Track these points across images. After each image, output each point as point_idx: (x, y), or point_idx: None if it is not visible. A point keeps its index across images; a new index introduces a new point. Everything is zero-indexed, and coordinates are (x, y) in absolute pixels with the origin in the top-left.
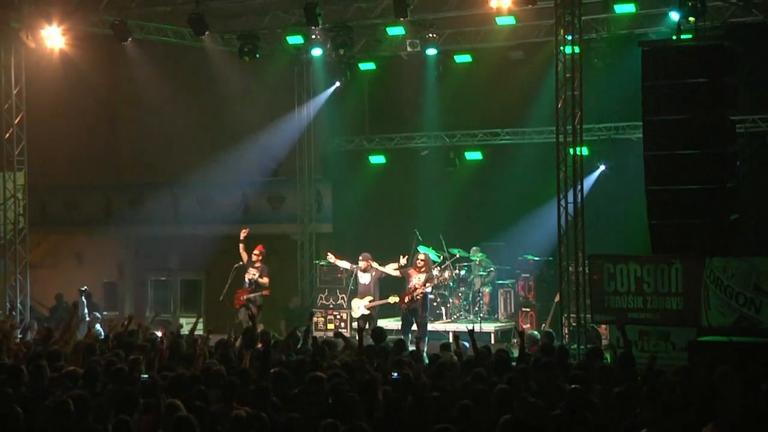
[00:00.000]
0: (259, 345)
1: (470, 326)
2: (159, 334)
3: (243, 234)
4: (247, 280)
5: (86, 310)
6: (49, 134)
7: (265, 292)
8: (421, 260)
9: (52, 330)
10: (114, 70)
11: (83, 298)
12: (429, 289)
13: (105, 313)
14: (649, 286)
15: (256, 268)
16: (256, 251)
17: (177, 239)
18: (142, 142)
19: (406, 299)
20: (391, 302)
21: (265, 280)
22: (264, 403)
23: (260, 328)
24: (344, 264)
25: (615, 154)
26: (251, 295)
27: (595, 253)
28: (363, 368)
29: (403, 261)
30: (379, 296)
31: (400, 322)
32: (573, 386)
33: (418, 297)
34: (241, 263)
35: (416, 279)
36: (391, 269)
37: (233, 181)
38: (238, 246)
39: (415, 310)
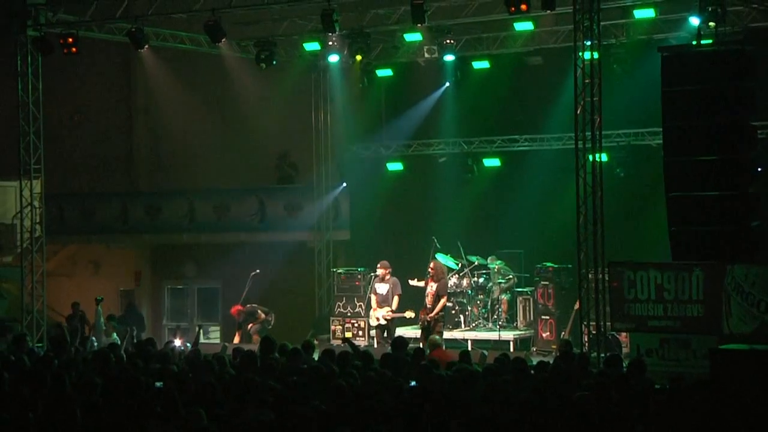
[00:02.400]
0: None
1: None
2: (177, 342)
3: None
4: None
5: (102, 320)
6: (67, 142)
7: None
8: (431, 268)
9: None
10: (130, 78)
11: (99, 307)
12: (442, 314)
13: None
14: (670, 293)
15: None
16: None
17: (194, 247)
18: (158, 149)
19: (425, 317)
20: (407, 317)
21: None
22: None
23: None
24: (419, 283)
25: (634, 160)
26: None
27: (614, 260)
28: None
29: (414, 283)
30: (398, 308)
31: (419, 331)
32: (582, 393)
33: (437, 319)
34: (258, 271)
35: (429, 288)
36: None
37: (250, 188)
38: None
39: (428, 326)
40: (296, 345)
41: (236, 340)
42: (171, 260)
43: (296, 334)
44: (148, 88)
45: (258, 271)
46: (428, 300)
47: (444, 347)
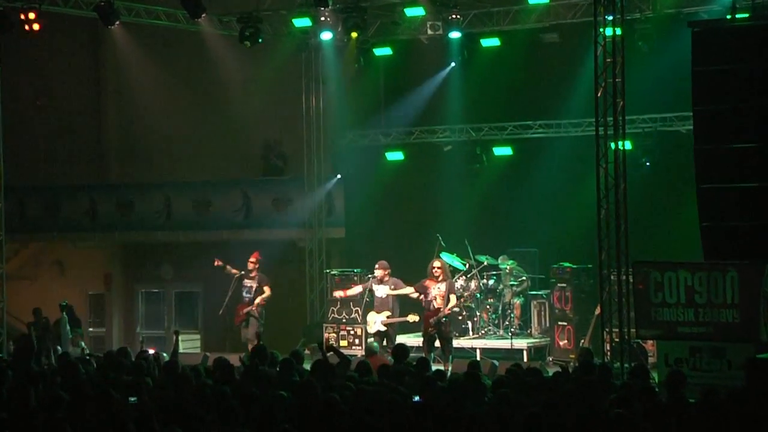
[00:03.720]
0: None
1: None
2: (151, 352)
3: (217, 263)
4: (244, 293)
5: (68, 327)
6: (28, 129)
7: (260, 302)
8: (437, 267)
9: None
10: (100, 57)
11: (64, 313)
12: (457, 310)
13: (90, 329)
14: (701, 296)
15: (253, 278)
16: (252, 259)
17: (171, 246)
18: (131, 137)
19: (432, 320)
20: (410, 321)
21: (267, 290)
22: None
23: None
24: (355, 290)
25: (661, 148)
26: (250, 308)
27: (640, 260)
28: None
29: (414, 318)
30: (399, 311)
31: (422, 338)
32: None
33: (444, 320)
34: (242, 272)
35: (435, 290)
36: (408, 291)
37: (233, 181)
38: (223, 271)
39: (440, 331)
40: (285, 355)
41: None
42: (145, 261)
43: (285, 343)
44: (120, 70)
45: (242, 272)
46: (437, 302)
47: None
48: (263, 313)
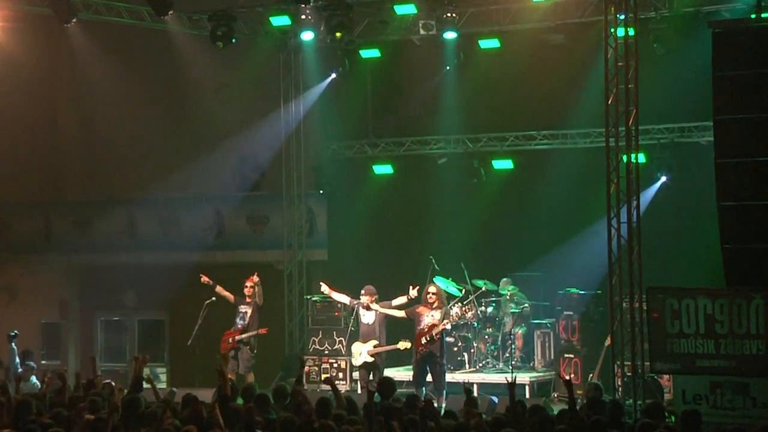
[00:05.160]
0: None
1: (509, 377)
2: (113, 383)
3: (204, 279)
4: (238, 319)
5: (17, 360)
6: None
7: (261, 331)
8: (432, 293)
9: None
10: (55, 60)
11: (13, 344)
12: (448, 326)
13: (44, 362)
14: (723, 326)
15: (249, 303)
16: (248, 283)
17: (134, 270)
18: (90, 149)
19: (423, 340)
20: (401, 348)
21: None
22: None
23: (250, 378)
24: (341, 298)
25: (679, 161)
26: (243, 336)
27: (654, 286)
28: None
29: (413, 293)
30: (387, 340)
31: (412, 372)
32: None
33: (437, 336)
34: (213, 299)
35: (429, 317)
36: (398, 304)
37: (204, 197)
38: (214, 290)
39: (431, 356)
40: (263, 390)
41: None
42: (105, 286)
43: (261, 376)
44: (77, 73)
45: (213, 299)
46: (436, 332)
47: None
48: (255, 343)
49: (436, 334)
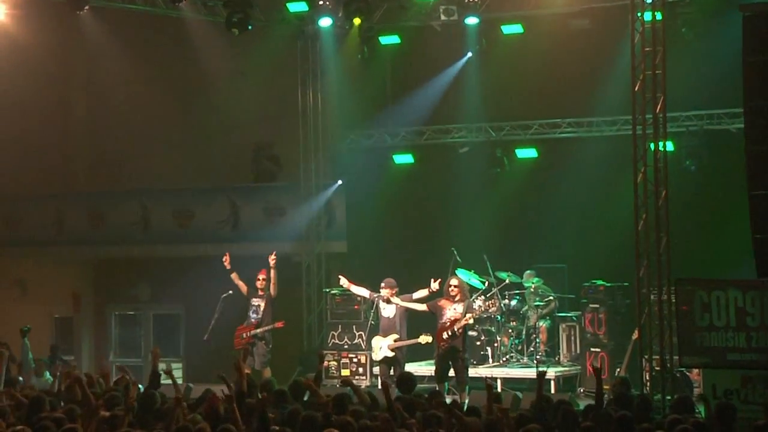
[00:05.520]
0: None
1: (540, 369)
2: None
3: (226, 261)
4: (250, 313)
5: (30, 355)
6: None
7: (278, 325)
8: (455, 287)
9: None
10: (66, 48)
11: (26, 339)
12: (471, 321)
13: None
14: (754, 319)
15: (262, 296)
16: (261, 276)
17: (148, 263)
18: (103, 140)
19: (444, 335)
20: (423, 342)
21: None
22: None
23: (267, 373)
24: (361, 291)
25: (708, 149)
26: (258, 331)
27: (683, 277)
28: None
29: (435, 286)
30: (408, 334)
31: (434, 367)
32: None
33: (459, 331)
34: (230, 292)
35: (451, 311)
36: (418, 297)
37: (219, 188)
38: (229, 275)
39: (454, 351)
40: (281, 386)
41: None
42: (119, 279)
43: (279, 372)
44: (89, 62)
45: (230, 292)
46: (458, 327)
47: None
48: (270, 338)
49: (459, 329)
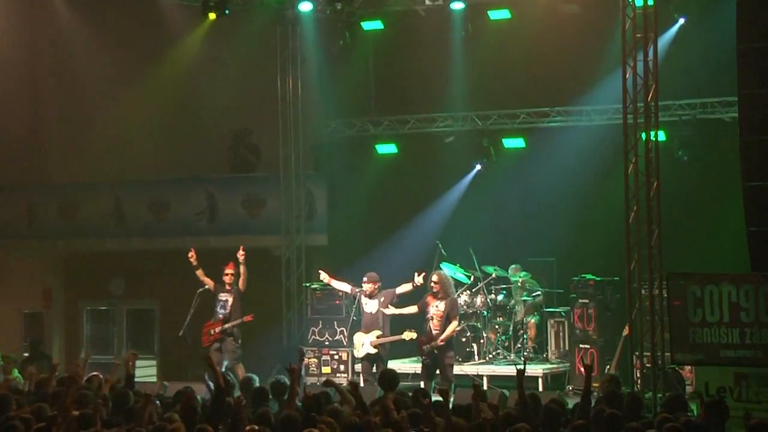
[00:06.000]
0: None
1: (520, 366)
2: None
3: (192, 257)
4: (218, 308)
5: None
6: None
7: (246, 319)
8: (434, 282)
9: None
10: (37, 33)
11: None
12: (458, 328)
13: (26, 354)
14: (749, 314)
15: (229, 291)
16: (228, 270)
17: (122, 256)
18: (74, 128)
19: (425, 348)
20: (407, 339)
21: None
22: None
23: (240, 371)
24: (342, 286)
25: (701, 139)
26: (226, 326)
27: (675, 271)
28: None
29: (419, 280)
30: (391, 330)
31: (420, 364)
32: None
33: (443, 347)
34: (206, 287)
35: (433, 308)
36: (402, 292)
37: (196, 179)
38: (194, 272)
39: (439, 348)
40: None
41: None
42: (91, 274)
43: (257, 370)
44: (61, 48)
45: (207, 286)
46: (434, 324)
47: None
48: (239, 333)
49: (435, 347)
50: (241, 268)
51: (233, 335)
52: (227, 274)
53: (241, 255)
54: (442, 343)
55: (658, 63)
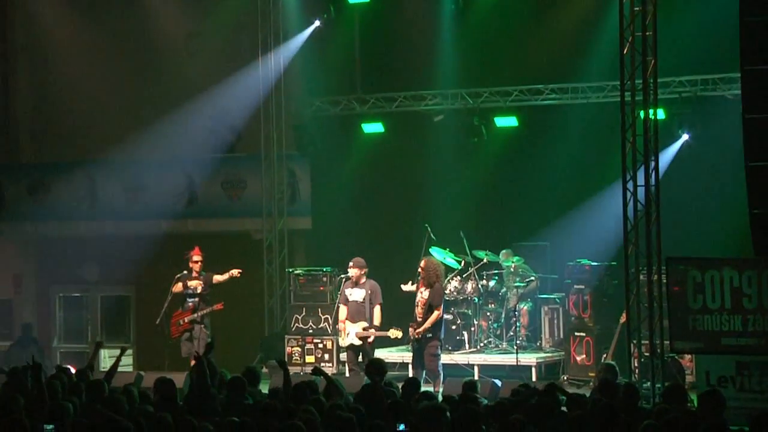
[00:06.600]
0: None
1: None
2: (72, 370)
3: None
4: (187, 297)
5: None
6: None
7: (217, 307)
8: (421, 268)
9: None
10: (5, 6)
11: None
12: (449, 316)
13: None
14: (751, 300)
15: (197, 278)
16: (195, 257)
17: (96, 240)
18: (46, 107)
19: (411, 336)
20: (392, 337)
21: (222, 276)
22: None
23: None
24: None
25: (702, 117)
26: (195, 315)
27: (675, 256)
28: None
29: (408, 288)
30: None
31: (411, 354)
32: None
33: (429, 336)
34: (185, 272)
35: (419, 295)
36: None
37: (174, 159)
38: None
39: (418, 343)
40: (237, 374)
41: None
42: (63, 259)
43: (237, 360)
44: (31, 20)
45: (185, 272)
46: (418, 311)
47: None
48: (209, 322)
49: (425, 337)
50: (227, 276)
51: (204, 323)
52: (195, 262)
53: (237, 274)
54: (418, 336)
55: (656, 37)
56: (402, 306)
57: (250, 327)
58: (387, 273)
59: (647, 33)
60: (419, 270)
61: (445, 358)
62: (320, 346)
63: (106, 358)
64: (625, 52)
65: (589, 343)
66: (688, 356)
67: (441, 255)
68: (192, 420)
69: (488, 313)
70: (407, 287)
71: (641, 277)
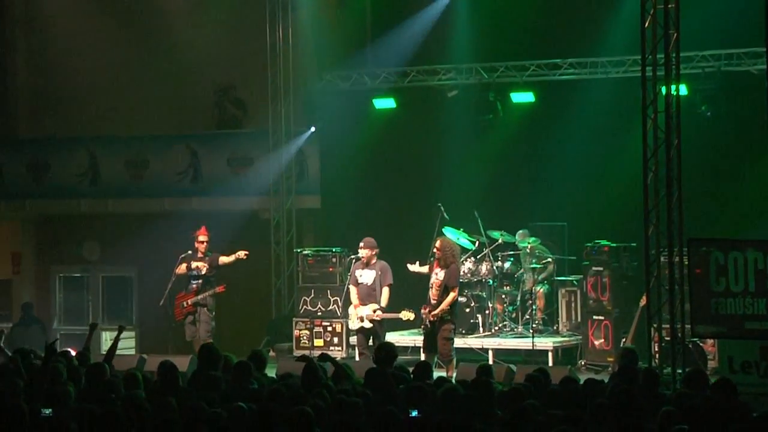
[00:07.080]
0: None
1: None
2: (72, 353)
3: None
4: (191, 278)
5: None
6: None
7: (219, 289)
8: (437, 248)
9: None
10: None
11: None
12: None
13: None
14: None
15: (202, 258)
16: (201, 237)
17: (97, 219)
18: (46, 80)
19: (424, 317)
20: (404, 319)
21: (229, 258)
22: None
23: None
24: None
25: (726, 93)
26: (198, 297)
27: (697, 237)
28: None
29: (415, 268)
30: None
31: (423, 337)
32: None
33: (443, 318)
34: (189, 252)
35: (434, 277)
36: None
37: (178, 135)
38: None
39: (431, 327)
40: (243, 358)
41: None
42: (64, 238)
43: (244, 343)
44: None
45: (189, 252)
46: (432, 293)
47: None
48: (213, 304)
49: (440, 319)
50: (233, 258)
51: (207, 306)
52: (201, 242)
53: (244, 256)
54: (433, 318)
55: (679, 10)
56: (413, 287)
57: (256, 309)
58: (398, 254)
59: (669, 5)
60: (434, 250)
61: (459, 342)
62: (329, 329)
63: (107, 341)
64: (646, 25)
65: (608, 327)
66: (710, 341)
67: (455, 235)
68: (201, 404)
69: (503, 296)
70: (414, 267)
71: (662, 258)
